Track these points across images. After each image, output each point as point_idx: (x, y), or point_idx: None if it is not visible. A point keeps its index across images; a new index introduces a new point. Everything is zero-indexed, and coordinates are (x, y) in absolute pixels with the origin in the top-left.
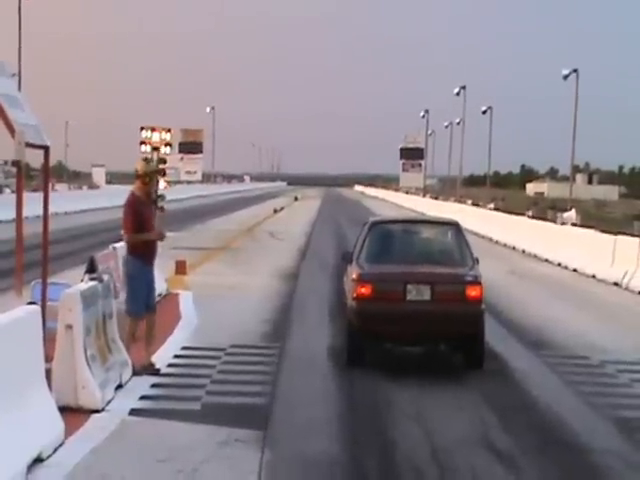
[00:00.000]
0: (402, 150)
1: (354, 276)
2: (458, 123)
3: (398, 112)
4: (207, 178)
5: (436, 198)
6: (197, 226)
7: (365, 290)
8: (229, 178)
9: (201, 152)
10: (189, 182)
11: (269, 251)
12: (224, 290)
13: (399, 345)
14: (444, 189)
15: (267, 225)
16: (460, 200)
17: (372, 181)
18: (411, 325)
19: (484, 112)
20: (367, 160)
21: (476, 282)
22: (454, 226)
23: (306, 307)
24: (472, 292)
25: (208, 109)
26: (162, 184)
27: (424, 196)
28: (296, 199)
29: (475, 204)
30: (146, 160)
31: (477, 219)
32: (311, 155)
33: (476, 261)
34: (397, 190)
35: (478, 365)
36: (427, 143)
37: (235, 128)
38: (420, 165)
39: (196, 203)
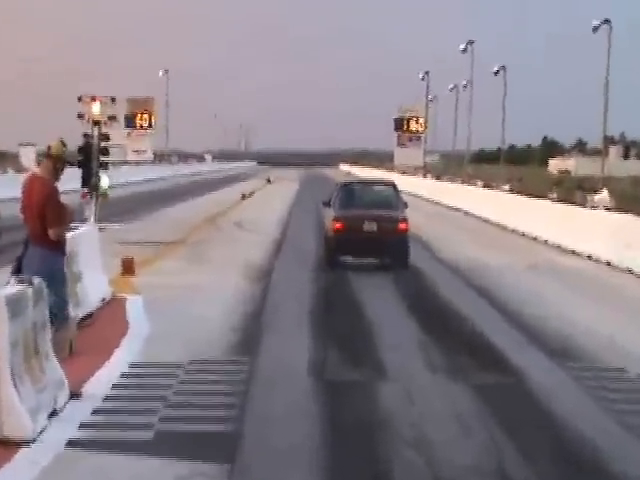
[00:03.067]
0: (397, 121)
1: (332, 217)
2: (465, 86)
3: (391, 76)
4: (160, 158)
5: (438, 178)
6: (148, 216)
7: (338, 225)
8: (186, 157)
9: (152, 126)
10: (138, 163)
11: (237, 245)
12: (182, 293)
13: (358, 258)
14: (448, 168)
15: (234, 214)
16: (469, 181)
17: (361, 159)
18: (366, 245)
19: (496, 73)
20: (354, 134)
21: (404, 220)
22: (392, 185)
23: (281, 312)
24: (401, 225)
25: (161, 72)
26: (105, 178)
27: (424, 176)
28: (269, 182)
29: (487, 185)
30: (63, 144)
31: (489, 204)
32: (287, 129)
33: (405, 205)
34: (391, 170)
35: (405, 266)
36: (427, 111)
37: (194, 97)
38: (419, 139)
39: (146, 188)
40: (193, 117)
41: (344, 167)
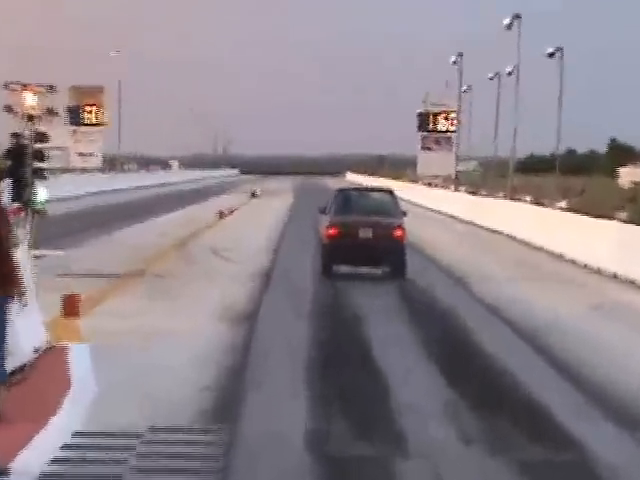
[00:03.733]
0: (421, 117)
1: (327, 223)
2: (510, 73)
3: (413, 61)
4: (112, 164)
5: (474, 193)
6: (99, 240)
7: (333, 231)
8: (147, 164)
9: (102, 123)
10: (84, 170)
11: (213, 279)
12: (140, 340)
13: (354, 266)
14: (487, 178)
15: (209, 237)
16: (513, 196)
17: (374, 166)
18: (361, 252)
19: (551, 55)
20: (365, 135)
21: (400, 227)
22: (389, 192)
23: (269, 366)
24: (397, 232)
25: (113, 53)
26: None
27: (456, 189)
28: (254, 196)
29: (537, 202)
30: None
31: (540, 225)
32: (279, 129)
33: (403, 213)
34: (413, 181)
35: (402, 275)
36: (460, 105)
37: (158, 87)
38: (449, 140)
39: (96, 203)
40: (159, 113)
41: (352, 176)
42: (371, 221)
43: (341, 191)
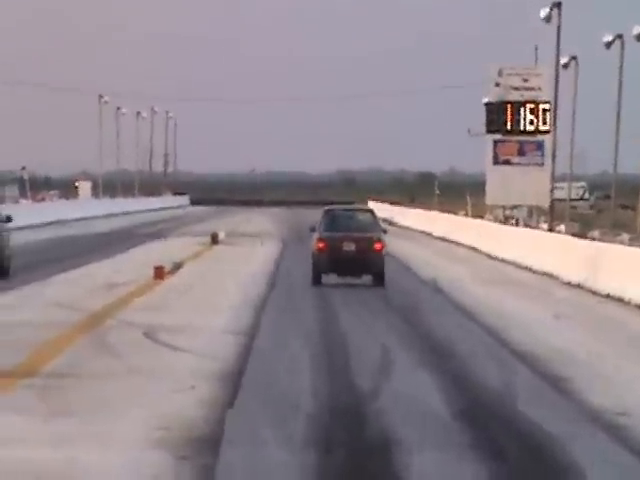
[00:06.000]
0: (491, 108)
1: (317, 238)
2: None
3: (470, 34)
4: None
5: (583, 236)
6: None
7: (321, 245)
8: (35, 188)
9: None
10: None
11: (145, 382)
12: None
13: (340, 276)
14: (603, 210)
15: (140, 311)
16: None
17: (411, 189)
18: (345, 263)
19: None
20: (397, 145)
21: (379, 241)
22: (370, 212)
23: None
24: (377, 246)
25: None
26: None
27: (552, 229)
28: (215, 242)
29: None
30: None
31: None
32: (254, 133)
33: (383, 230)
34: (480, 214)
35: (381, 283)
36: (557, 90)
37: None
38: (540, 148)
39: None
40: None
41: (376, 206)
42: (354, 236)
43: (328, 211)
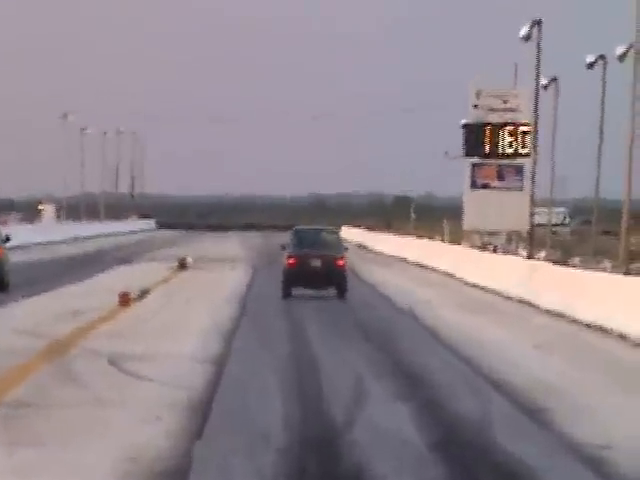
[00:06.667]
0: (469, 131)
1: (287, 255)
2: (622, 56)
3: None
4: None
5: (564, 263)
6: None
7: (291, 261)
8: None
9: None
10: None
11: (110, 412)
12: None
13: (307, 287)
14: (584, 234)
15: (103, 337)
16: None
17: (387, 213)
18: (312, 278)
19: None
20: (373, 167)
21: (342, 258)
22: (335, 232)
23: None
24: (339, 262)
25: None
26: None
27: (532, 255)
28: (183, 266)
29: None
30: None
31: None
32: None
33: (345, 249)
34: (456, 240)
35: (343, 296)
36: (537, 111)
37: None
38: (520, 172)
39: None
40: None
41: (349, 231)
42: (319, 254)
43: (297, 231)
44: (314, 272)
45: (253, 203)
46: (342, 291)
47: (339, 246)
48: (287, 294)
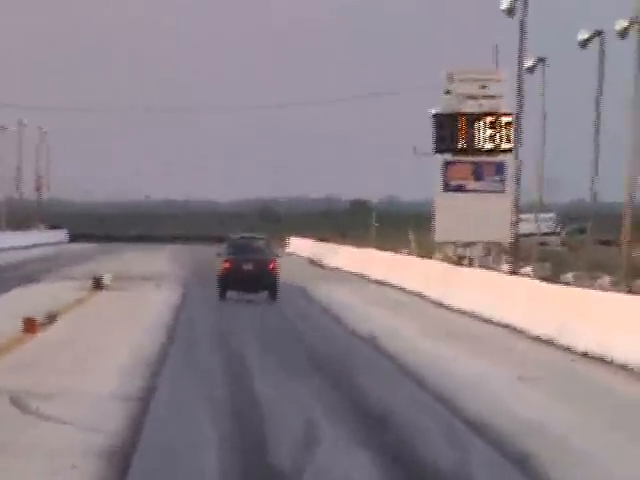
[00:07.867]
0: (440, 121)
1: (223, 260)
2: (624, 32)
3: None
4: None
5: (554, 280)
6: None
7: (226, 265)
8: None
9: None
10: None
11: (15, 461)
12: None
13: (240, 290)
14: (578, 245)
15: (3, 371)
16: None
17: (339, 224)
18: (245, 280)
19: None
20: (323, 167)
21: (272, 261)
22: (265, 239)
23: None
24: (270, 266)
25: None
26: None
27: (515, 270)
28: (99, 286)
29: None
30: None
31: None
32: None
33: (276, 254)
34: (426, 254)
35: (274, 297)
36: (522, 98)
37: None
38: (501, 170)
39: None
40: None
41: (299, 243)
42: (252, 258)
43: (232, 239)
44: (247, 274)
45: (183, 210)
46: (273, 294)
47: (270, 251)
48: (223, 296)
